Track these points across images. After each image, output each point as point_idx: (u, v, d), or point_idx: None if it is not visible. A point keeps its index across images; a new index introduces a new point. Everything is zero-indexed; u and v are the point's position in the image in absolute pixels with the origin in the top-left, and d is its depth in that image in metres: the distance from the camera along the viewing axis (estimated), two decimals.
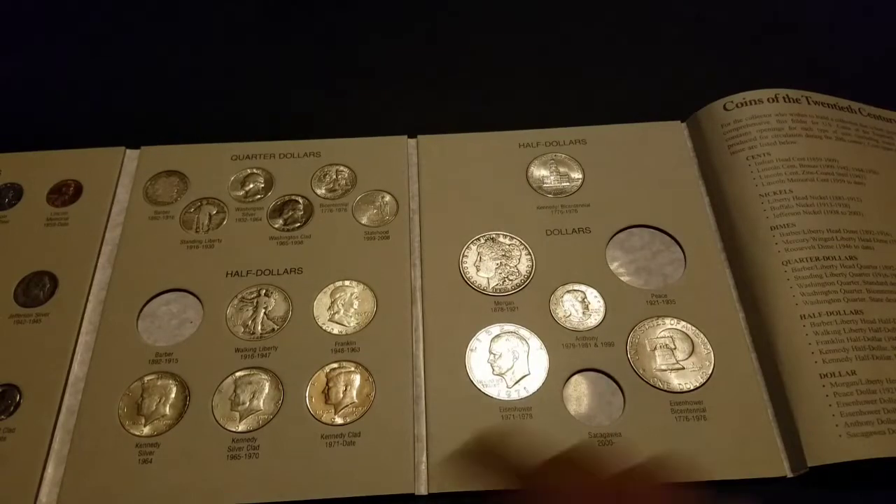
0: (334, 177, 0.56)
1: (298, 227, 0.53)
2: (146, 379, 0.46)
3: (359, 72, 0.63)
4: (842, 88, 0.56)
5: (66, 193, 0.55)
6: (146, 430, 0.44)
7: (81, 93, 0.62)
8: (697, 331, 0.47)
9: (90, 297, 0.50)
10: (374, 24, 0.66)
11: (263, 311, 0.49)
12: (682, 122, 0.58)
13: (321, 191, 0.55)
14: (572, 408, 0.45)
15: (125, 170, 0.56)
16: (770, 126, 0.53)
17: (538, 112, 0.59)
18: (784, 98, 0.54)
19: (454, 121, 0.58)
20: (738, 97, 0.55)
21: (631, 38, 0.65)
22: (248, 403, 0.45)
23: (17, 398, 0.46)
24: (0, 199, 0.55)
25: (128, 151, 0.57)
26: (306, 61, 0.64)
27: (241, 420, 0.44)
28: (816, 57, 0.62)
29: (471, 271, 0.50)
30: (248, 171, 0.56)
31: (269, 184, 0.55)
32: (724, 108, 0.55)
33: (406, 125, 0.58)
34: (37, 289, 0.50)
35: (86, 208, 0.54)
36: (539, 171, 0.55)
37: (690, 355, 0.46)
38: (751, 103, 0.54)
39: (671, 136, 0.57)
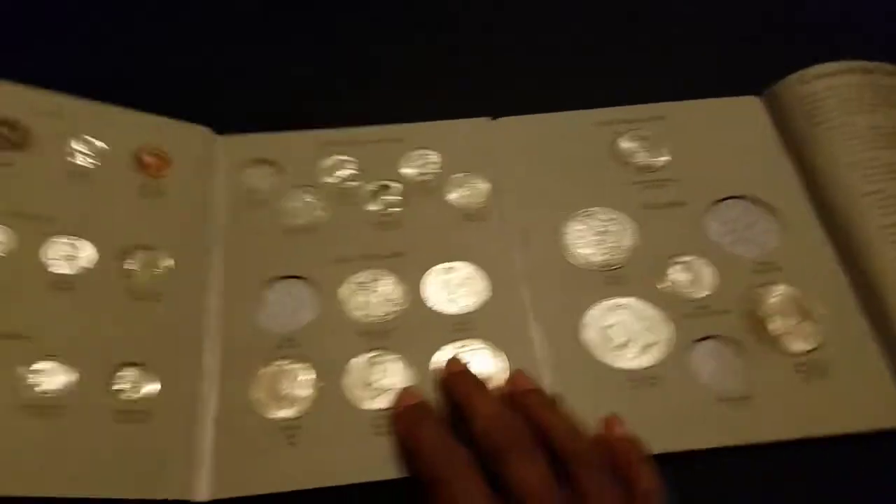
0: (422, 160, 0.56)
1: (395, 211, 0.53)
2: (276, 364, 0.46)
3: (432, 56, 0.64)
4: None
5: (154, 163, 0.52)
6: (285, 414, 0.45)
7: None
8: (806, 294, 0.48)
9: (206, 285, 0.50)
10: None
11: (376, 294, 0.49)
12: (755, 96, 0.58)
13: (412, 175, 0.55)
14: (697, 374, 0.45)
15: (212, 154, 0.55)
16: (850, 96, 0.55)
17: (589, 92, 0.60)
18: (861, 70, 0.56)
19: (520, 103, 0.59)
20: (812, 70, 0.56)
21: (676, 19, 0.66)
22: (379, 382, 0.45)
23: (151, 379, 0.45)
24: (77, 151, 0.50)
25: (215, 136, 0.56)
26: (381, 47, 0.65)
27: (375, 398, 0.45)
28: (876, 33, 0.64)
29: (573, 248, 0.51)
30: (338, 157, 0.56)
31: (360, 169, 0.55)
32: (801, 81, 0.56)
33: (475, 108, 0.59)
34: (145, 263, 0.48)
35: (180, 185, 0.52)
36: (626, 147, 0.56)
37: (804, 319, 0.47)
38: (827, 76, 0.56)
39: (749, 110, 0.58)
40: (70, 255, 0.46)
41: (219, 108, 0.58)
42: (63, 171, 0.48)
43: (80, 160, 0.50)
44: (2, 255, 0.44)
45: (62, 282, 0.45)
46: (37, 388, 0.41)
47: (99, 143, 0.51)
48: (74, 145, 0.50)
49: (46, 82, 0.51)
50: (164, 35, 0.65)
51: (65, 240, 0.46)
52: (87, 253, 0.47)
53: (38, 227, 0.46)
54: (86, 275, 0.46)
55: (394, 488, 0.43)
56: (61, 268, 0.45)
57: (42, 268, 0.45)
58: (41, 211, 0.46)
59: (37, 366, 0.42)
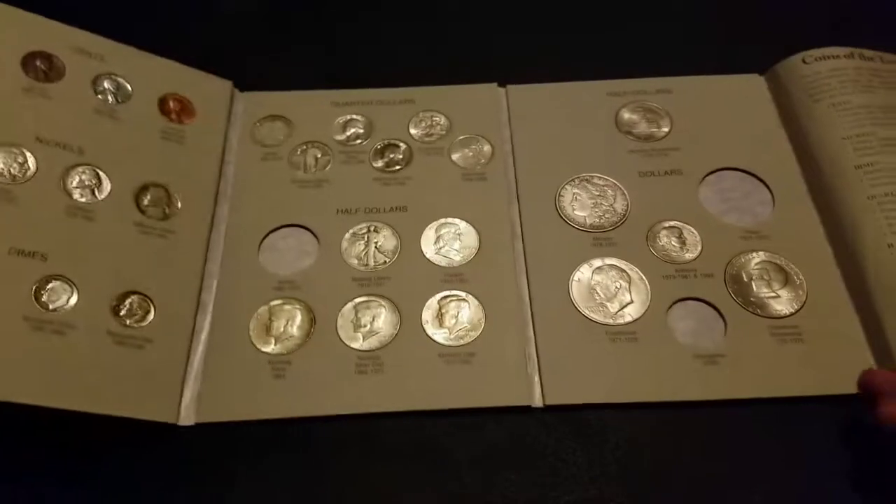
0: (430, 122, 0.58)
1: (399, 169, 0.56)
2: (273, 303, 0.49)
3: (445, 19, 0.66)
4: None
5: (178, 109, 0.55)
6: (277, 349, 0.47)
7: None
8: (790, 263, 0.49)
9: (213, 227, 0.53)
10: None
11: (374, 245, 0.52)
12: (759, 75, 0.59)
13: (418, 135, 0.57)
14: (676, 332, 0.47)
15: (233, 108, 0.59)
16: (849, 77, 0.56)
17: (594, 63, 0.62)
18: (860, 56, 0.57)
19: (534, 71, 0.61)
20: (815, 52, 0.58)
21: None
22: (369, 326, 0.48)
23: (151, 309, 0.48)
24: (107, 89, 0.53)
25: (236, 92, 0.59)
26: (395, 9, 0.67)
27: (364, 340, 0.47)
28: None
29: (568, 209, 0.53)
30: (349, 116, 0.59)
31: (369, 129, 0.58)
32: (804, 61, 0.57)
33: (488, 73, 0.61)
34: (158, 201, 0.51)
35: (200, 132, 0.55)
36: (628, 117, 0.57)
37: (785, 285, 0.49)
38: (828, 58, 0.57)
39: (751, 87, 0.60)
40: (89, 186, 0.49)
41: (241, 66, 0.61)
42: (91, 107, 0.51)
43: (108, 98, 0.52)
44: (27, 178, 0.46)
45: (80, 209, 0.47)
46: (45, 305, 0.44)
47: (128, 85, 0.53)
48: (104, 84, 0.53)
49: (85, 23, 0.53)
50: None
51: (86, 171, 0.49)
52: (105, 185, 0.49)
53: (62, 156, 0.48)
54: (102, 205, 0.48)
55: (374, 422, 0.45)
56: (80, 196, 0.48)
57: (62, 194, 0.47)
58: (67, 140, 0.48)
59: (48, 284, 0.44)
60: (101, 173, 0.49)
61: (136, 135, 0.52)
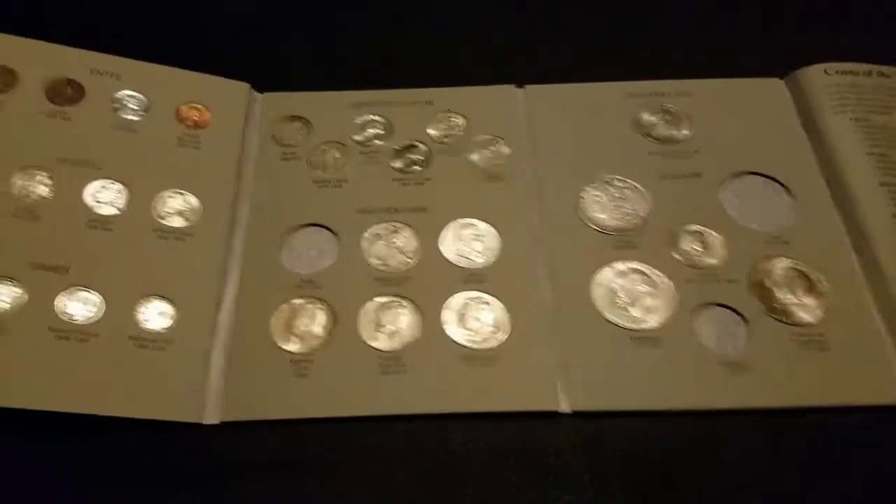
0: (449, 123, 0.58)
1: (419, 169, 0.55)
2: (294, 302, 0.49)
3: (463, 21, 0.66)
4: None
5: (194, 116, 0.57)
6: (300, 348, 0.47)
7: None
8: (814, 270, 0.49)
9: (233, 228, 0.52)
10: None
11: (395, 245, 0.51)
12: (780, 79, 0.59)
13: (437, 136, 0.57)
14: (699, 338, 0.47)
15: (251, 109, 0.58)
16: (867, 96, 0.56)
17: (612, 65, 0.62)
18: (878, 73, 0.58)
19: (552, 71, 0.61)
20: (837, 65, 0.58)
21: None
22: (391, 326, 0.48)
23: (172, 311, 0.48)
24: (125, 105, 0.55)
25: (253, 92, 0.59)
26: (413, 9, 0.67)
27: (385, 340, 0.47)
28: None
29: (588, 212, 0.52)
30: (367, 117, 0.58)
31: (388, 129, 0.58)
32: (825, 72, 0.58)
33: (505, 75, 0.61)
34: (177, 207, 0.52)
35: (217, 137, 0.56)
36: (648, 119, 0.57)
37: (809, 292, 0.48)
38: (849, 73, 0.58)
39: (772, 91, 0.59)
40: (109, 198, 0.51)
41: (260, 67, 0.61)
42: (109, 124, 0.54)
43: (126, 114, 0.54)
44: (50, 196, 0.49)
45: (100, 221, 0.50)
46: (68, 316, 0.46)
47: (144, 98, 0.55)
48: (121, 100, 0.55)
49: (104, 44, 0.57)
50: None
51: (106, 184, 0.51)
52: (125, 196, 0.51)
53: (82, 173, 0.51)
54: (121, 216, 0.50)
55: (396, 424, 0.45)
56: (100, 209, 0.50)
57: (84, 208, 0.50)
58: (88, 157, 0.51)
59: (71, 295, 0.46)
60: (120, 185, 0.51)
61: (153, 145, 0.53)
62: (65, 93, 0.54)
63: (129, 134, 0.54)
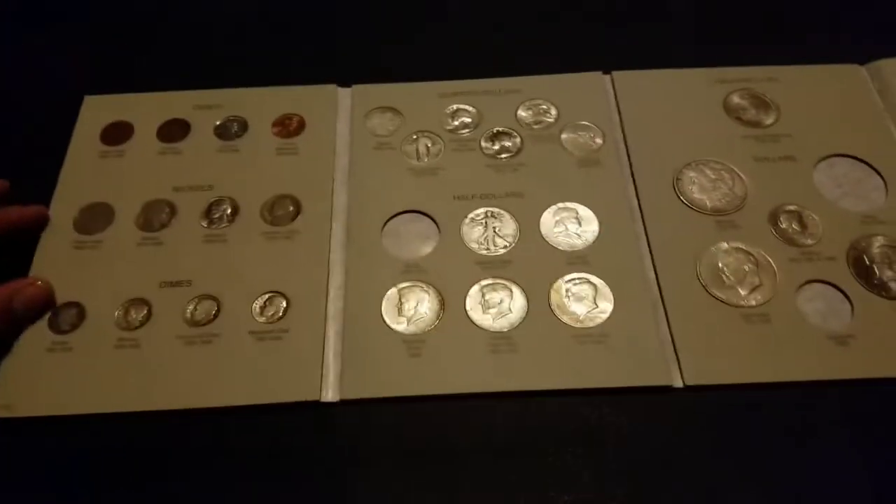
0: (538, 111, 0.59)
1: (512, 156, 0.56)
2: (401, 286, 0.50)
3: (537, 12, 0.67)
4: None
5: (289, 126, 0.60)
6: (410, 329, 0.48)
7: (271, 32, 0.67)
8: None
9: (333, 218, 0.54)
10: None
11: (494, 229, 0.52)
12: (859, 65, 0.60)
13: (528, 123, 0.58)
14: (807, 314, 0.48)
15: (340, 105, 0.60)
16: None
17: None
18: None
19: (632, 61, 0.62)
20: None
21: None
22: (498, 307, 0.49)
23: (284, 304, 0.50)
24: (227, 130, 0.60)
25: (339, 89, 0.61)
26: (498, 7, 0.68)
27: (494, 320, 0.48)
28: None
29: (688, 193, 0.53)
30: (457, 106, 0.59)
31: (478, 118, 0.59)
32: None
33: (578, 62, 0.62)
34: (281, 210, 0.55)
35: (312, 139, 0.59)
36: (738, 103, 0.58)
37: None
38: None
39: (854, 78, 0.60)
40: (221, 214, 0.55)
41: (344, 62, 0.64)
42: (214, 149, 0.59)
43: (228, 138, 0.59)
44: (170, 223, 0.55)
45: (215, 236, 0.54)
46: (195, 323, 0.50)
47: (244, 120, 0.60)
48: (223, 127, 0.60)
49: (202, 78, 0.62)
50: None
51: (217, 202, 0.56)
52: (234, 210, 0.55)
53: (196, 196, 0.56)
54: (233, 228, 0.54)
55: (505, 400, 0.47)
56: (214, 225, 0.54)
57: (199, 227, 0.54)
58: (198, 182, 0.56)
59: (195, 303, 0.51)
60: (230, 201, 0.55)
61: (255, 161, 0.57)
62: (173, 131, 0.59)
63: (233, 154, 0.58)
